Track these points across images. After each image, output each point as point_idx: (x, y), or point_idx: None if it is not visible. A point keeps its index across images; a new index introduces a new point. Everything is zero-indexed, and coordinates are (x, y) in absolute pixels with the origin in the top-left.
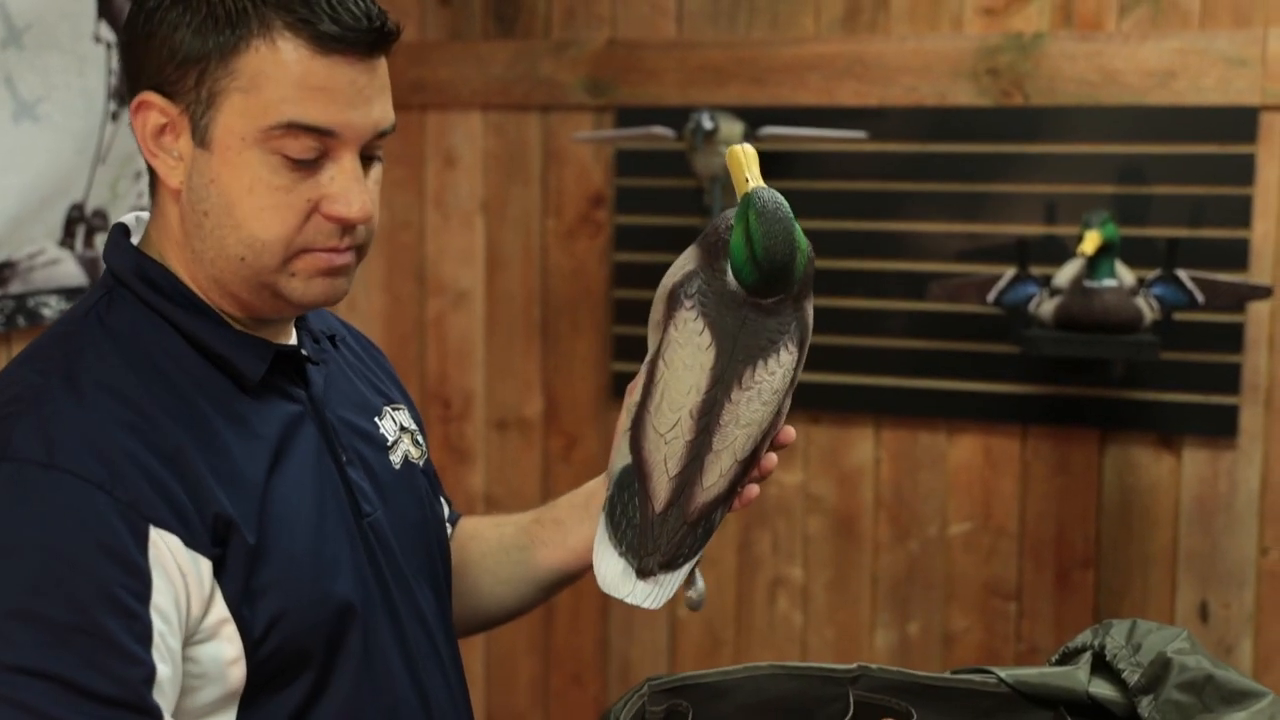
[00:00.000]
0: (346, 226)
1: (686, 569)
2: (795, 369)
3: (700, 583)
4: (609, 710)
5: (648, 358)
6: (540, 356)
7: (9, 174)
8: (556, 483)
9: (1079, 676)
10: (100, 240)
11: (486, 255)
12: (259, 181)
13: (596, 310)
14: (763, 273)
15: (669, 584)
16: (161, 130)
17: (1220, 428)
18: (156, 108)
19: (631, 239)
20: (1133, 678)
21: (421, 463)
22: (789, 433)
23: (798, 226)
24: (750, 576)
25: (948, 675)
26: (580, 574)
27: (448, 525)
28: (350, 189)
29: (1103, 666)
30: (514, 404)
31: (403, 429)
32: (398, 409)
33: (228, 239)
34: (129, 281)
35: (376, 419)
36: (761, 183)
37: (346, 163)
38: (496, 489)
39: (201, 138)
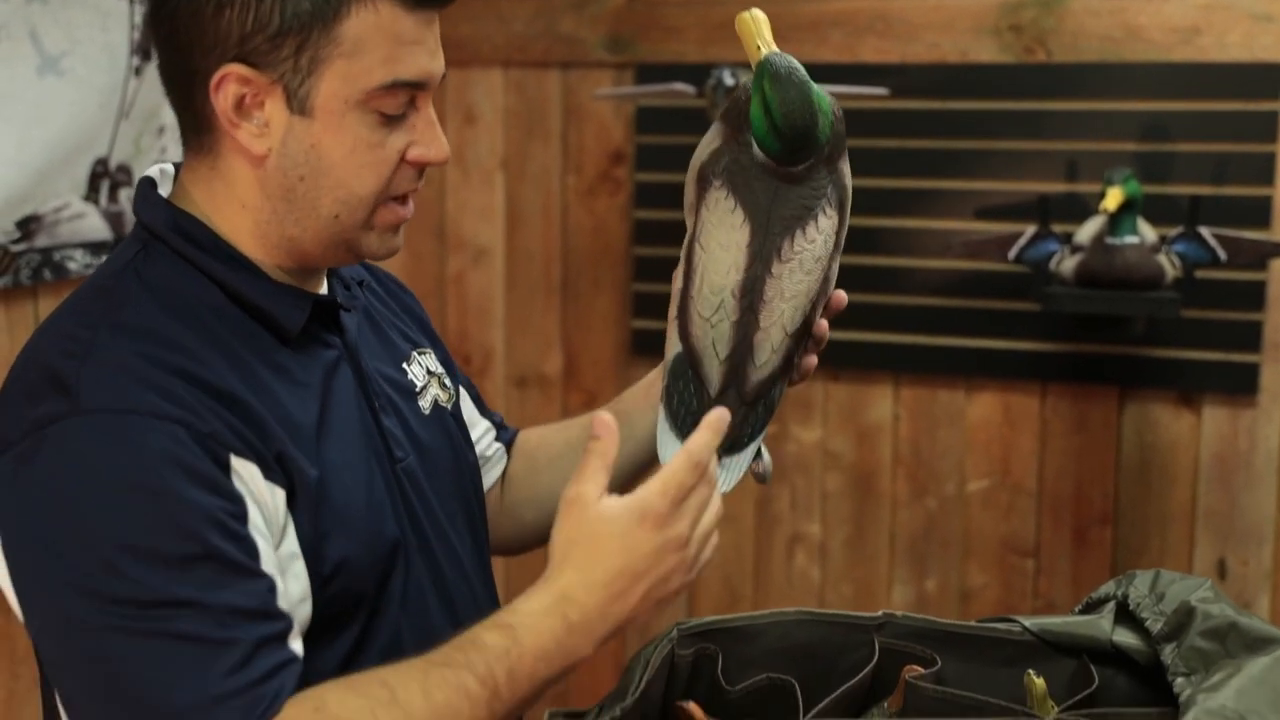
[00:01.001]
0: (422, 171)
1: (752, 449)
2: (838, 232)
3: (767, 457)
4: (639, 654)
5: (685, 241)
6: (560, 313)
7: (34, 128)
8: None
9: (1103, 625)
10: (125, 195)
11: (506, 212)
12: (360, 141)
13: (616, 267)
14: (785, 139)
15: (736, 467)
16: (241, 101)
17: (1241, 385)
18: (239, 77)
19: (652, 196)
20: (1156, 626)
21: (450, 406)
22: (840, 297)
23: (815, 88)
24: (768, 533)
25: (973, 624)
26: (651, 464)
27: (499, 447)
28: (434, 134)
29: (1126, 616)
30: (534, 361)
31: (430, 373)
32: (424, 353)
33: (323, 200)
34: (164, 235)
35: (405, 365)
36: (775, 48)
37: (428, 110)
38: None
39: (301, 105)
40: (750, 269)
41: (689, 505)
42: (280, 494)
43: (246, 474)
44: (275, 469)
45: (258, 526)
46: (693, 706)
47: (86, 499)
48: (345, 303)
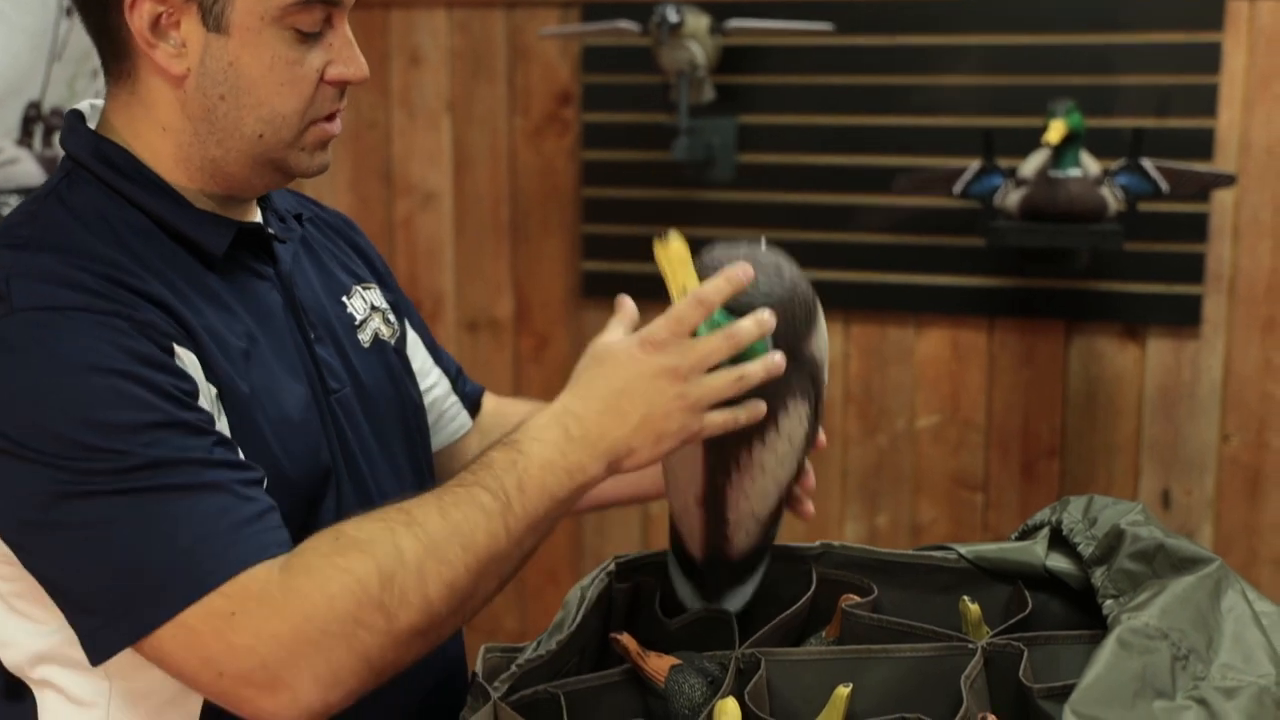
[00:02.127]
0: (343, 90)
1: (760, 570)
2: (812, 414)
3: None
4: (575, 588)
5: None
6: (510, 257)
7: None
8: (528, 384)
9: (1036, 551)
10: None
11: (454, 155)
12: (278, 58)
13: (566, 209)
14: None
15: (752, 582)
16: (157, 21)
17: (1184, 317)
18: None
19: (600, 136)
20: (1088, 550)
21: (394, 341)
22: (811, 481)
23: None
24: None
25: (909, 553)
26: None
27: (456, 400)
28: (352, 53)
29: (1060, 541)
30: (484, 304)
31: (373, 308)
32: (368, 288)
33: (246, 119)
34: (87, 163)
35: (345, 298)
36: (696, 283)
37: (343, 29)
38: None
39: (217, 23)
40: (709, 481)
41: (693, 342)
42: (213, 391)
43: (189, 361)
44: (209, 370)
45: (206, 409)
46: (627, 639)
47: (45, 384)
48: (279, 234)
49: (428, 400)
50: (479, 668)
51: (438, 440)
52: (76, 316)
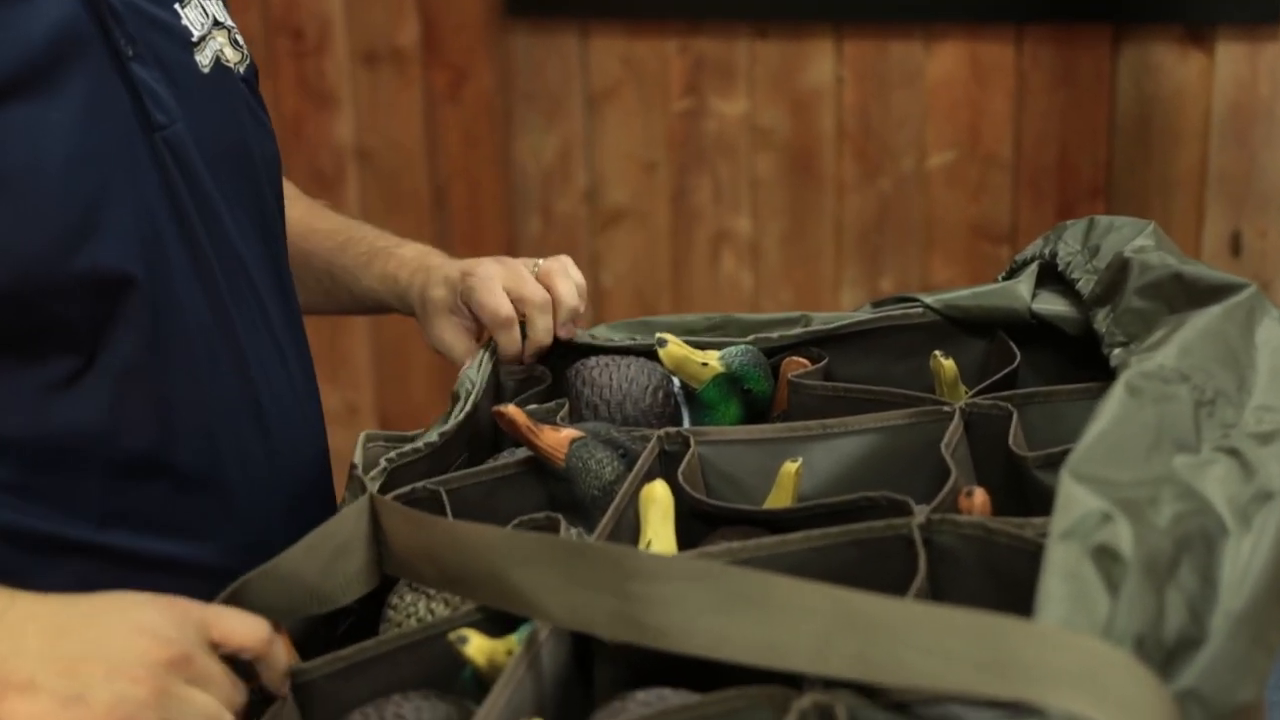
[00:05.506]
0: None
1: None
2: None
3: None
4: (461, 375)
5: None
6: None
7: None
8: (443, 129)
9: (1020, 293)
10: None
11: None
12: None
13: None
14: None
15: None
16: None
17: (1262, 12)
18: None
19: None
20: (1087, 287)
21: (243, 70)
22: None
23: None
24: (687, 231)
25: (857, 314)
26: None
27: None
28: None
29: (1054, 278)
30: (384, 30)
31: (217, 24)
32: None
33: None
34: None
35: (178, 5)
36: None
37: None
38: (369, 138)
39: None
40: None
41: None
42: None
43: None
44: None
45: None
46: (514, 410)
47: None
48: None
49: None
50: (358, 458)
51: None
52: None
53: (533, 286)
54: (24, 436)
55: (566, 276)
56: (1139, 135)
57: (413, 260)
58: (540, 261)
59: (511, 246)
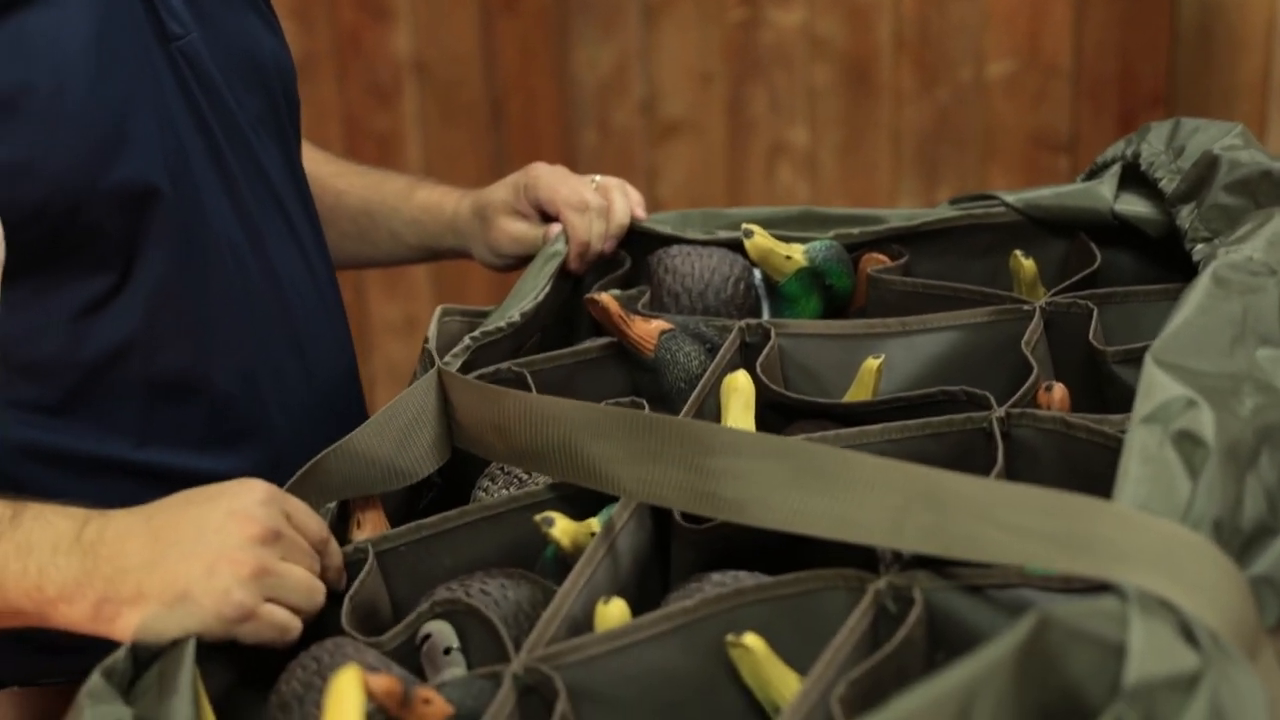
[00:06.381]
0: None
1: None
2: None
3: None
4: (530, 265)
5: None
6: None
7: None
8: (500, 41)
9: (1102, 193)
10: None
11: None
12: None
13: None
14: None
15: None
16: None
17: None
18: None
19: None
20: (1170, 185)
21: None
22: None
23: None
24: (744, 143)
25: (937, 211)
26: None
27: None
28: None
29: (1136, 179)
30: None
31: None
32: None
33: None
34: None
35: None
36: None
37: None
38: (427, 50)
39: None
40: None
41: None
42: None
43: None
44: None
45: None
46: (608, 298)
47: None
48: None
49: None
50: (432, 331)
51: None
52: None
53: (593, 192)
54: (61, 359)
55: (624, 193)
56: (1201, 43)
57: (454, 190)
58: (597, 177)
59: (568, 159)
